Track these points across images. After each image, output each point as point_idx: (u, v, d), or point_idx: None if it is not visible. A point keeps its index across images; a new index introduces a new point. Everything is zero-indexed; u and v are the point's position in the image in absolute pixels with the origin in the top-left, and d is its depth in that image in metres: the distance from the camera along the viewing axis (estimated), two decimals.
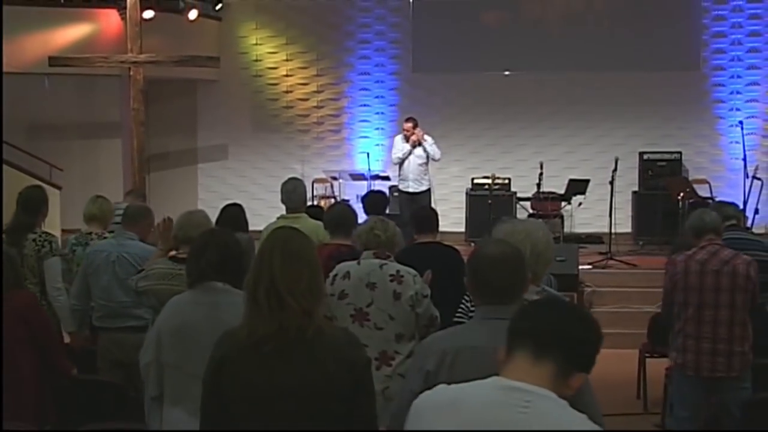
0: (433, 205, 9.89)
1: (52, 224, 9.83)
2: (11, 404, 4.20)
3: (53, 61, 11.09)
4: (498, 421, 1.99)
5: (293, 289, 2.63)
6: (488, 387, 2.06)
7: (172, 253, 4.56)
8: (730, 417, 5.15)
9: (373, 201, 7.04)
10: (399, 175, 11.04)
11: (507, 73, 12.90)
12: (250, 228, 6.43)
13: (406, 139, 10.84)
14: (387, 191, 10.99)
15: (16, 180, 10.05)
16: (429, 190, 10.97)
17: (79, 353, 5.47)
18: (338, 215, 5.40)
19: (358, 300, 4.40)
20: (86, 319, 5.72)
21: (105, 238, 5.99)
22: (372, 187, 11.19)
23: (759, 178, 11.10)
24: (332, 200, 12.14)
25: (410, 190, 10.91)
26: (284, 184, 6.12)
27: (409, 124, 10.85)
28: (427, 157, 10.83)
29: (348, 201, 12.34)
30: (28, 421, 4.13)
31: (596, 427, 2.01)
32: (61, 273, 5.80)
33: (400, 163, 10.90)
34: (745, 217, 7.79)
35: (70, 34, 11.88)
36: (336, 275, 4.47)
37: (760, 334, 5.21)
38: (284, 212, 6.10)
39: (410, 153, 10.81)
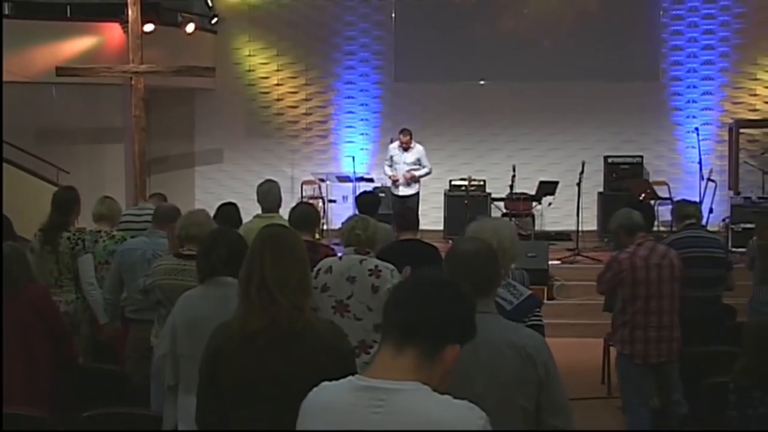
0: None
1: None
2: (28, 393, 4.17)
3: (60, 71, 11.01)
4: (354, 423, 1.86)
5: (283, 286, 2.62)
6: (344, 389, 1.93)
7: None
8: (675, 399, 5.25)
9: (365, 201, 7.07)
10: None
11: (482, 82, 12.91)
12: None
13: (404, 149, 10.80)
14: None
15: (25, 182, 10.00)
16: (418, 193, 10.97)
17: (108, 344, 5.42)
18: (301, 214, 5.39)
19: (339, 292, 4.40)
20: (117, 312, 5.64)
21: (113, 236, 5.97)
22: (357, 189, 11.19)
23: (713, 180, 11.17)
24: (320, 200, 12.13)
25: (400, 193, 10.91)
26: (260, 186, 6.05)
27: (406, 137, 10.80)
28: (419, 164, 10.83)
29: (334, 201, 12.38)
30: (44, 409, 4.08)
31: (454, 407, 1.86)
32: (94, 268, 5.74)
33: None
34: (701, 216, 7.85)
35: (76, 46, 11.81)
36: (319, 270, 4.47)
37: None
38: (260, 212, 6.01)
39: (396, 180, 10.80)
